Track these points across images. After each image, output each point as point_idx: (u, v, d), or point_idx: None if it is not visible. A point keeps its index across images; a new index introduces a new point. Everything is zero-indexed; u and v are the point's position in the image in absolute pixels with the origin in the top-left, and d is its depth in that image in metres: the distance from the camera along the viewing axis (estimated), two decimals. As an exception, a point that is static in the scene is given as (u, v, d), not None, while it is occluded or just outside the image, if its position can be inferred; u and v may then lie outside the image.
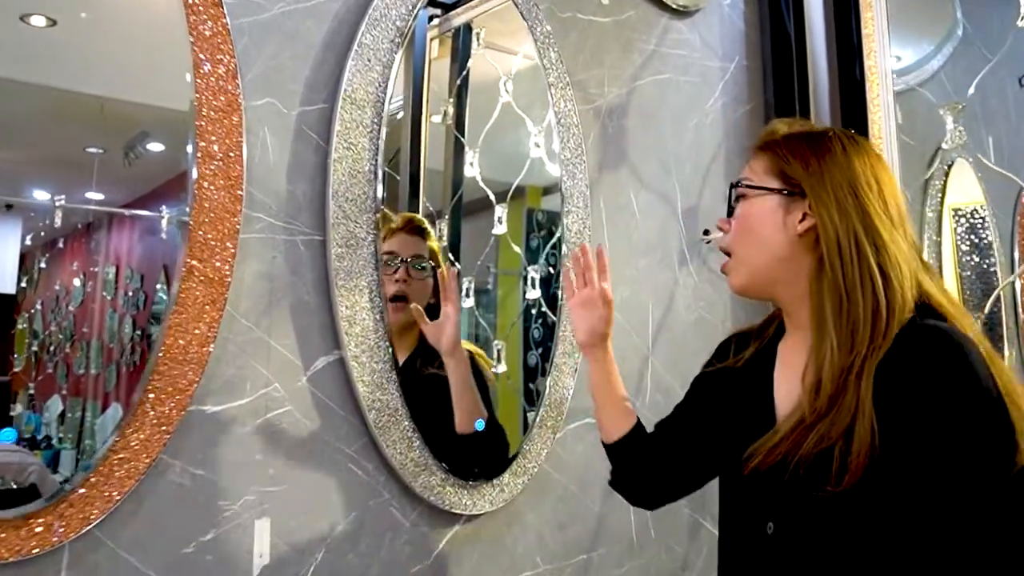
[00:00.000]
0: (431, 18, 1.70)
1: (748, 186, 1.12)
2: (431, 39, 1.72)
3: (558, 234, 1.80)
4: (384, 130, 1.49)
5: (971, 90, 2.02)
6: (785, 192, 1.09)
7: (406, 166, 1.65)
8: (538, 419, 1.71)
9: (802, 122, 1.20)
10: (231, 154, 1.32)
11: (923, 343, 0.99)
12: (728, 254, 1.15)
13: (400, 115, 1.63)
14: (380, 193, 1.48)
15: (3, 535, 1.10)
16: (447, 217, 1.72)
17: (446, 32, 1.76)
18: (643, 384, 1.95)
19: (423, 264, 1.61)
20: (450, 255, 1.67)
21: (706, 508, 2.02)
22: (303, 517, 1.39)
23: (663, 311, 2.01)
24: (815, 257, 1.08)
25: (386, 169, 1.53)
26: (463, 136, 1.73)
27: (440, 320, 1.56)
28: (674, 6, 2.09)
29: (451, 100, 1.73)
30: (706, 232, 2.08)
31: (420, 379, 1.58)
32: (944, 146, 2.00)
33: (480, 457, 1.61)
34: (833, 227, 1.05)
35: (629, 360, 1.93)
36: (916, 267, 1.07)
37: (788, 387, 1.11)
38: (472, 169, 1.72)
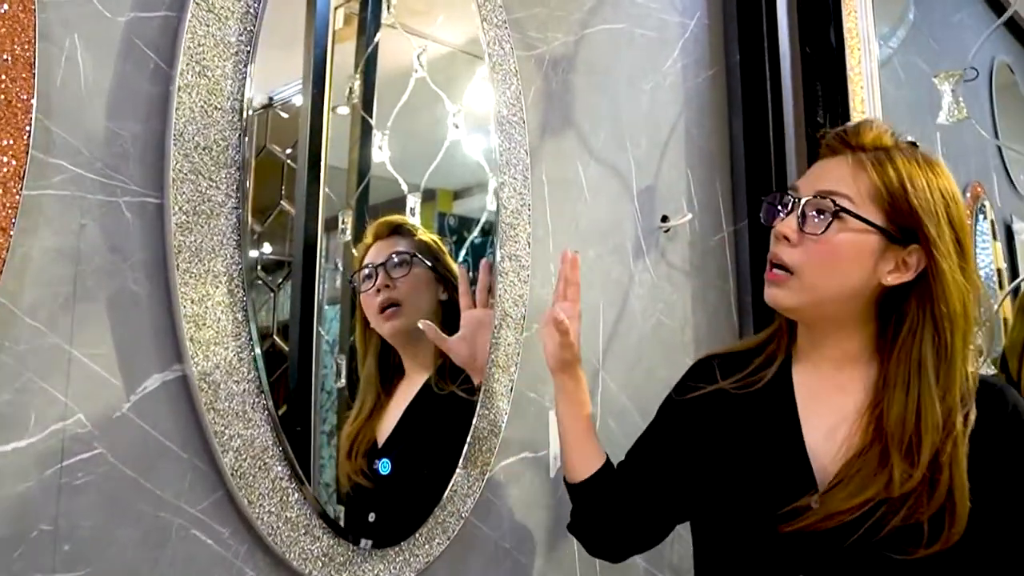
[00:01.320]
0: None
1: (853, 214, 0.97)
2: (335, 7, 1.35)
3: (473, 235, 1.42)
4: (255, 53, 1.07)
5: (970, 56, 1.75)
6: (891, 237, 0.97)
7: (304, 152, 1.27)
8: (462, 457, 1.31)
9: (894, 131, 1.05)
10: (12, 70, 0.88)
11: (1001, 406, 0.98)
12: (786, 268, 1.00)
13: (299, 99, 1.26)
14: (246, 139, 1.06)
15: None
16: (352, 209, 1.34)
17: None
18: (593, 406, 1.57)
19: (403, 258, 1.30)
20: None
21: (664, 561, 1.66)
22: (120, 612, 0.95)
23: (616, 314, 1.65)
24: (884, 309, 1.00)
25: (289, 163, 1.19)
26: (371, 117, 1.34)
27: (463, 333, 1.31)
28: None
29: (357, 76, 1.34)
30: (664, 219, 1.74)
31: (437, 401, 1.33)
32: (939, 121, 1.72)
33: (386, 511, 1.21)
34: (952, 289, 0.96)
35: (575, 376, 1.55)
36: None
37: (823, 429, 1.01)
38: (381, 154, 1.34)
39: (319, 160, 1.28)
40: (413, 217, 1.36)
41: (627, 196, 1.70)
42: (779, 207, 1.03)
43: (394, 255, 1.29)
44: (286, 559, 1.08)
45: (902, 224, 0.97)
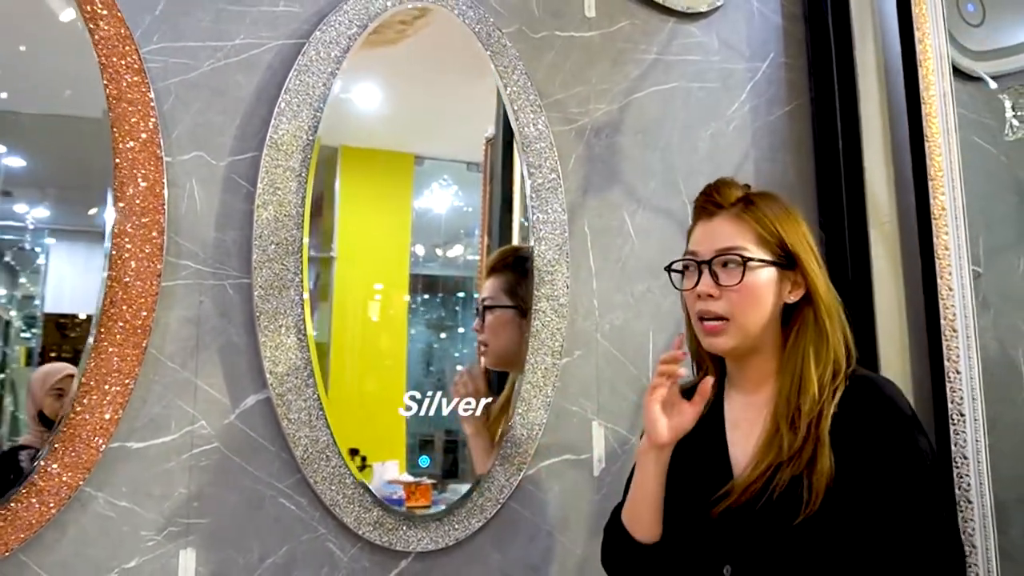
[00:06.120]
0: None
1: (753, 258, 1.27)
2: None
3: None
4: (312, 174, 1.62)
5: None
6: (782, 265, 1.28)
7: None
8: (498, 455, 1.76)
9: (741, 183, 1.36)
10: (149, 212, 1.50)
11: (866, 394, 1.23)
12: (719, 318, 1.28)
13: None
14: (306, 237, 1.62)
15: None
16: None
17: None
18: (639, 419, 1.94)
19: (491, 304, 1.82)
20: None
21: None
22: (230, 548, 1.55)
23: (668, 339, 1.99)
24: (785, 320, 1.29)
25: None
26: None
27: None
28: (680, 9, 2.06)
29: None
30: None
31: None
32: (1007, 137, 1.82)
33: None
34: (824, 292, 1.27)
35: (623, 393, 1.93)
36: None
37: (742, 436, 1.31)
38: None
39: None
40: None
41: (680, 235, 2.02)
42: (685, 271, 1.34)
43: (488, 298, 1.82)
44: (346, 523, 1.62)
45: (784, 253, 1.28)
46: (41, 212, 1.49)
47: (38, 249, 1.48)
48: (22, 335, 1.47)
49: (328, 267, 1.71)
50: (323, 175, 1.71)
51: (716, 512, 1.25)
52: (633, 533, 1.34)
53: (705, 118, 2.10)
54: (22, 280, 1.47)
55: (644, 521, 1.34)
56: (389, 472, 1.73)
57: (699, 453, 1.34)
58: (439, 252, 1.89)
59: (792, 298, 1.28)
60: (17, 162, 1.46)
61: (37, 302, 1.48)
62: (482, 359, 1.82)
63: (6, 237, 1.46)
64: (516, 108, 1.84)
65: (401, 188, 1.85)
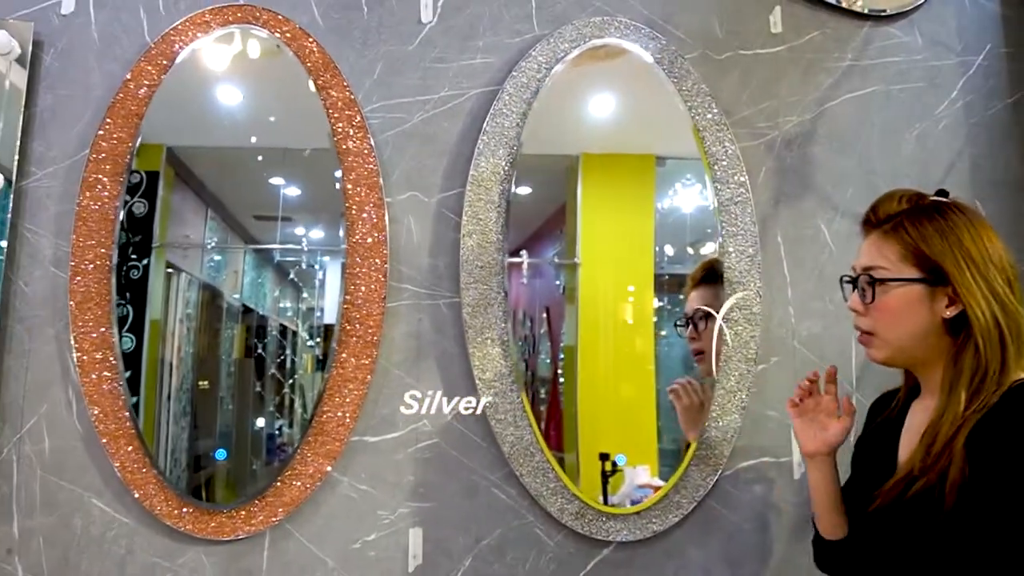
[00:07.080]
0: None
1: (888, 279, 1.29)
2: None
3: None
4: (508, 201, 1.86)
5: None
6: (931, 282, 1.26)
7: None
8: (691, 457, 1.88)
9: (911, 193, 1.35)
10: (375, 246, 1.83)
11: (1015, 403, 1.18)
12: (868, 332, 1.33)
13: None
14: (505, 259, 1.86)
15: (223, 519, 1.74)
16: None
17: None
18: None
19: (704, 313, 1.95)
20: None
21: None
22: (451, 529, 1.82)
23: (872, 344, 1.99)
24: (956, 333, 1.26)
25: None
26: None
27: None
28: (876, 12, 2.06)
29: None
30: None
31: None
32: None
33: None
34: (982, 312, 1.23)
35: (823, 397, 1.96)
36: None
37: (909, 443, 1.33)
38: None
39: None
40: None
41: (884, 238, 2.02)
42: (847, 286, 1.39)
43: (700, 310, 1.94)
44: (549, 511, 1.83)
45: (933, 269, 1.26)
46: (317, 233, 1.87)
47: (316, 267, 1.86)
48: (307, 344, 1.85)
49: (573, 273, 1.91)
50: (565, 184, 1.92)
51: (871, 509, 1.29)
52: (820, 530, 1.45)
53: (909, 119, 2.08)
54: (304, 295, 1.85)
55: (823, 519, 1.44)
56: (640, 476, 1.91)
57: (875, 453, 1.40)
58: (690, 251, 2.01)
59: (949, 313, 1.25)
60: (294, 191, 1.86)
61: (318, 314, 1.86)
62: (703, 366, 1.93)
63: (289, 258, 1.85)
64: (701, 128, 1.97)
65: (643, 189, 1.97)
